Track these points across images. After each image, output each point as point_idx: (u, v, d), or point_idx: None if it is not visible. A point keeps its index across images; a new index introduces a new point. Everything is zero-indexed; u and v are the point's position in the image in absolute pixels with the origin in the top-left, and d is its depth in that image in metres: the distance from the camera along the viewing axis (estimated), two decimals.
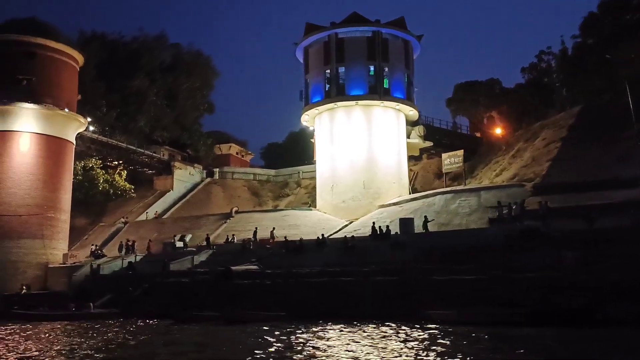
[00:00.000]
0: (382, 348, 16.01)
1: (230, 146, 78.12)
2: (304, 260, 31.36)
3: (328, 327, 21.53)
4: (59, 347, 18.33)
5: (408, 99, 52.55)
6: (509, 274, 22.66)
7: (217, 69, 72.54)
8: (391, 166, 50.87)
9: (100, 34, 67.18)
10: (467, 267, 24.41)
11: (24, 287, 38.18)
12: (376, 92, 50.82)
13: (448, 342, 16.71)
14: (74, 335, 21.96)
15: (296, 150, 79.53)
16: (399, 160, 51.83)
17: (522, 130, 52.64)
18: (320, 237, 35.38)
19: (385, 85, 51.09)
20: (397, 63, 52.16)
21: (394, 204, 45.97)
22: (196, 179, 65.68)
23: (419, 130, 54.96)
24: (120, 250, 43.76)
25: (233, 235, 42.71)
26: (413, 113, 53.51)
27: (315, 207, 52.07)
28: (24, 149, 43.49)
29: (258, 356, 15.16)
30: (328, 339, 18.28)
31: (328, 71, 52.09)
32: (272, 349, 16.32)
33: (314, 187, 55.76)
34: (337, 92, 51.39)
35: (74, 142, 47.78)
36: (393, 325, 21.17)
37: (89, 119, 49.67)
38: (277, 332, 20.09)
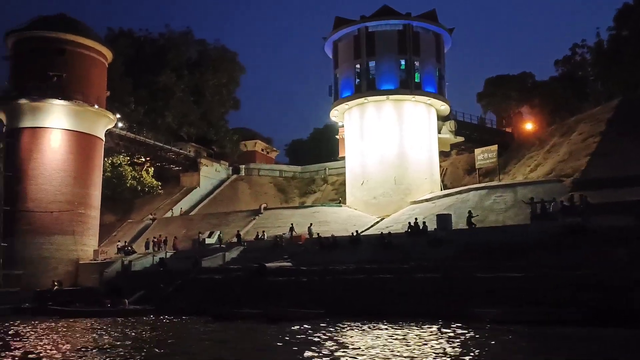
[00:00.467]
0: (452, 349, 15.25)
1: (256, 143, 77.90)
2: (337, 257, 30.68)
3: (378, 326, 20.77)
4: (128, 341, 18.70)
5: (439, 94, 51.58)
6: (558, 271, 21.76)
7: (242, 65, 72.14)
8: (422, 162, 49.95)
9: (128, 30, 67.48)
10: (512, 265, 23.55)
11: (56, 283, 38.10)
12: (407, 86, 49.90)
13: (509, 340, 16.11)
14: (125, 329, 22.24)
15: (320, 147, 79.18)
16: (430, 156, 50.89)
17: (556, 124, 51.27)
18: (355, 234, 34.68)
19: (417, 80, 50.17)
20: (428, 57, 51.24)
21: (427, 200, 45.10)
22: (222, 175, 65.55)
23: (450, 125, 53.92)
24: (147, 247, 43.65)
25: (263, 231, 42.25)
26: (444, 108, 52.52)
27: (344, 203, 51.42)
28: (55, 145, 43.52)
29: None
30: (386, 339, 17.52)
31: (358, 66, 51.33)
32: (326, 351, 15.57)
33: (341, 184, 55.13)
34: (367, 87, 50.61)
35: (104, 139, 47.80)
36: (442, 323, 20.41)
37: (117, 115, 49.63)
38: (323, 332, 19.47)
